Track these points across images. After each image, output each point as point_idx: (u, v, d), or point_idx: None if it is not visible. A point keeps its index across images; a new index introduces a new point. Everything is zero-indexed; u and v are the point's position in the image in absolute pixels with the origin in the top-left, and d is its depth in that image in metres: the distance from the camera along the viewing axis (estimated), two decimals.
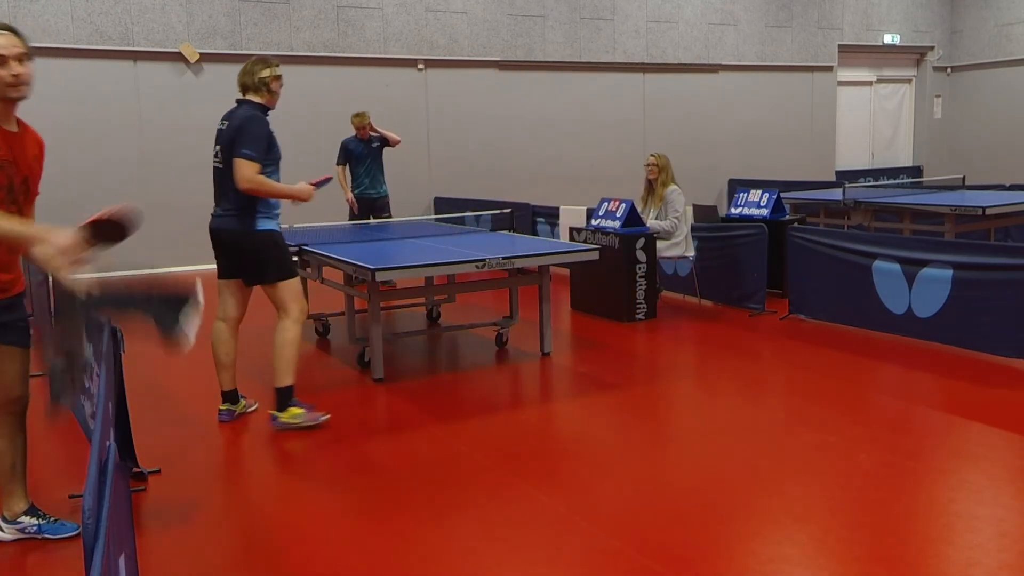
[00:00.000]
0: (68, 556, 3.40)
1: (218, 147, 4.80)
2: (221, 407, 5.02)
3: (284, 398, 4.83)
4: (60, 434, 4.92)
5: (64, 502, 3.89)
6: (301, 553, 3.41)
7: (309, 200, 4.90)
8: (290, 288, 4.84)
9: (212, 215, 4.88)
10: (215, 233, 4.86)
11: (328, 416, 4.89)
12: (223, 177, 4.76)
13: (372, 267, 5.35)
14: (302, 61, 11.60)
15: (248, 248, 4.79)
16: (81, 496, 3.06)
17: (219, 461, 4.43)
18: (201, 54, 11.03)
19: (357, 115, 9.03)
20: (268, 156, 4.70)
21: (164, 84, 11.02)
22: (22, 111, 3.30)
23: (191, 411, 5.25)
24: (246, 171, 4.60)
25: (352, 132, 9.12)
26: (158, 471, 4.24)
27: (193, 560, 3.39)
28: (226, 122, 4.81)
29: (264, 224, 4.77)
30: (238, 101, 4.87)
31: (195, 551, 3.47)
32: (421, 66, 12.54)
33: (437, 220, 9.54)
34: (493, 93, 13.14)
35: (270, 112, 4.86)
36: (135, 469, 4.15)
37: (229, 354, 4.96)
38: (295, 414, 4.80)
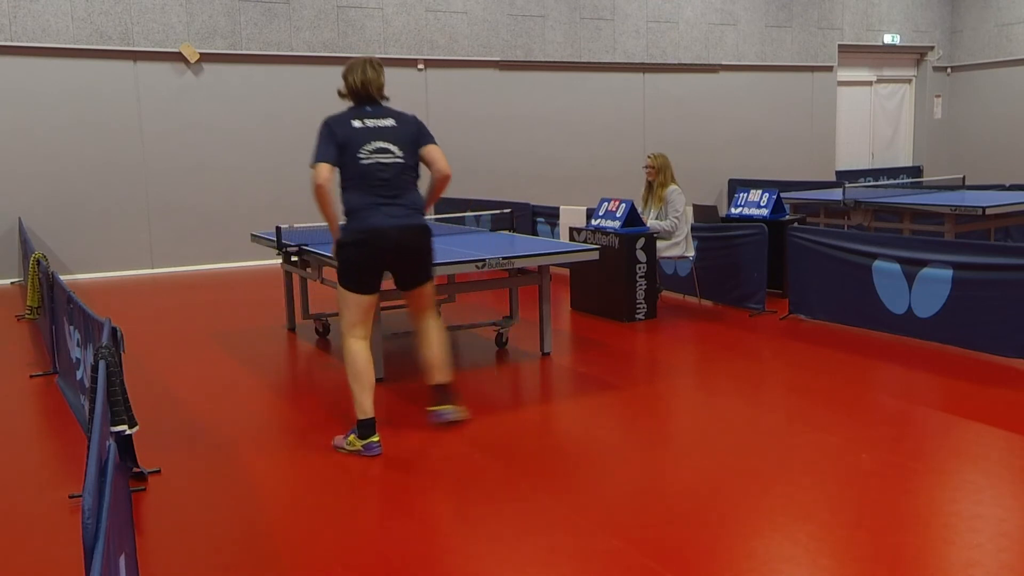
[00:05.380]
0: (68, 556, 3.40)
1: (391, 144, 4.46)
2: (373, 439, 4.42)
3: (441, 392, 4.48)
4: (60, 434, 4.93)
5: (64, 502, 3.89)
6: (300, 553, 3.41)
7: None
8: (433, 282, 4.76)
9: (388, 215, 4.40)
10: (400, 233, 4.43)
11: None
12: (406, 173, 4.49)
13: None
14: (302, 61, 11.60)
15: (428, 246, 4.60)
16: (81, 496, 3.06)
17: (219, 461, 4.43)
18: (201, 54, 11.02)
19: None
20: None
21: (164, 84, 11.02)
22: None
23: (192, 411, 5.25)
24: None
25: None
26: (158, 471, 4.24)
27: (193, 560, 3.39)
28: (388, 119, 4.55)
29: None
30: (380, 100, 4.64)
31: (195, 551, 3.47)
32: (421, 66, 12.54)
33: (437, 220, 9.53)
34: (493, 93, 13.15)
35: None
36: (135, 469, 4.16)
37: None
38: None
